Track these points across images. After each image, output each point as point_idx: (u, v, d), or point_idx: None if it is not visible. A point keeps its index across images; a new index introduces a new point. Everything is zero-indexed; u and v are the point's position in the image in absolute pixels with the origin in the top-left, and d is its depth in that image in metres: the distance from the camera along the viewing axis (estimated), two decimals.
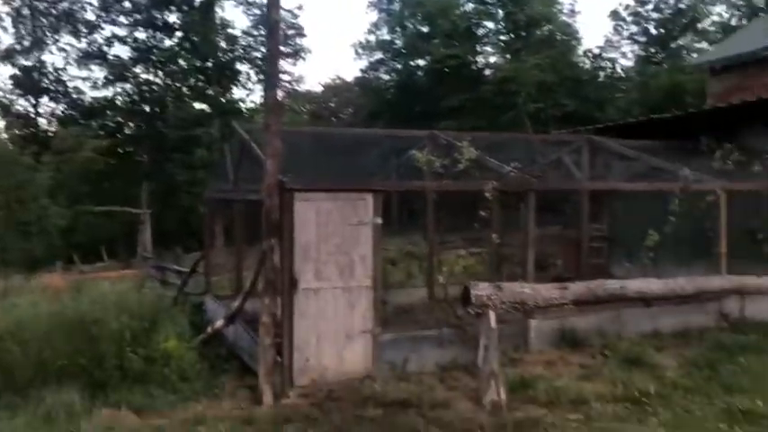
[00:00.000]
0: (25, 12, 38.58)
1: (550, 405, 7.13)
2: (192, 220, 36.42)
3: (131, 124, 41.08)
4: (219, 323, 9.48)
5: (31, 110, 40.80)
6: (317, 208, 8.10)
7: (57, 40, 39.66)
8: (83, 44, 39.60)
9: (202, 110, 39.14)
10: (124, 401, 7.80)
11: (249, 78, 41.17)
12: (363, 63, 54.03)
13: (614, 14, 41.89)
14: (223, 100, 39.32)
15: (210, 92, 38.66)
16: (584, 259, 13.64)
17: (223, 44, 39.53)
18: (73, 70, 47.53)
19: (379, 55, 45.94)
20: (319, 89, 54.38)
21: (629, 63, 42.06)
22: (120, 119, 40.21)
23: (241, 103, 41.02)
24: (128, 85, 39.25)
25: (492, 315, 7.08)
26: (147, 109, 39.37)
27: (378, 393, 7.75)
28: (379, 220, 8.40)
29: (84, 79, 45.72)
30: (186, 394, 8.18)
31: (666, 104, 29.23)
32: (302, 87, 48.21)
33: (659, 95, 31.14)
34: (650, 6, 40.71)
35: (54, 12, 38.94)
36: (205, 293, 13.78)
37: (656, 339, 9.77)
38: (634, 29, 41.73)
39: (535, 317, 9.37)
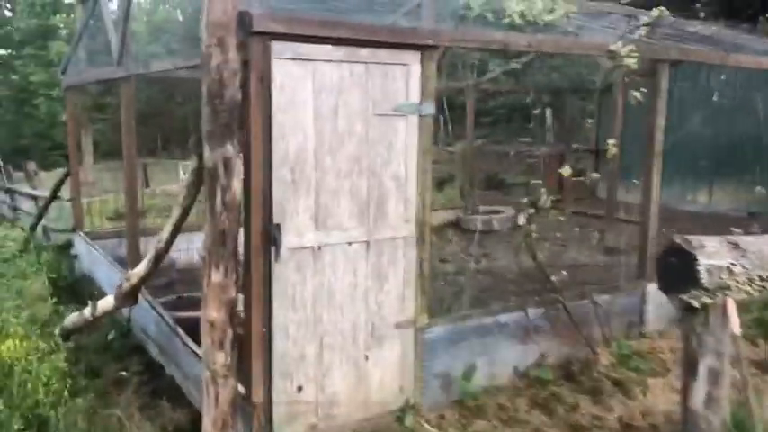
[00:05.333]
0: None
1: None
2: (56, 132, 30.27)
3: None
4: (106, 302, 5.12)
5: None
6: (318, 78, 3.85)
7: None
8: None
9: None
10: None
11: None
12: None
13: None
14: None
15: None
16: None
17: None
18: None
19: None
20: None
21: None
22: None
23: None
24: None
25: (732, 307, 3.27)
26: None
27: None
28: (432, 109, 4.26)
29: None
30: None
31: None
32: None
33: None
34: None
35: None
36: (74, 230, 9.20)
37: None
38: None
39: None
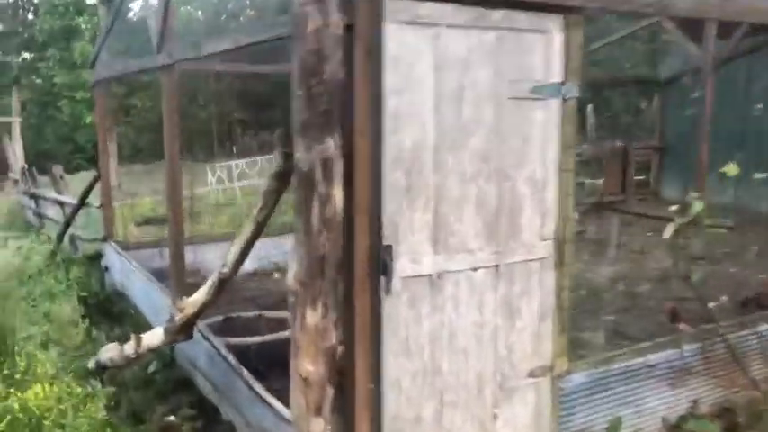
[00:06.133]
0: None
1: None
2: (79, 135, 29.77)
3: None
4: (154, 336, 4.19)
5: None
6: (440, 49, 2.88)
7: None
8: None
9: None
10: None
11: None
12: None
13: None
14: None
15: None
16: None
17: None
18: None
19: None
20: None
21: None
22: None
23: None
24: None
25: None
26: None
27: None
28: (576, 91, 3.28)
29: None
30: None
31: None
32: None
33: None
34: None
35: None
36: (105, 240, 8.35)
37: None
38: None
39: None
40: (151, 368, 5.31)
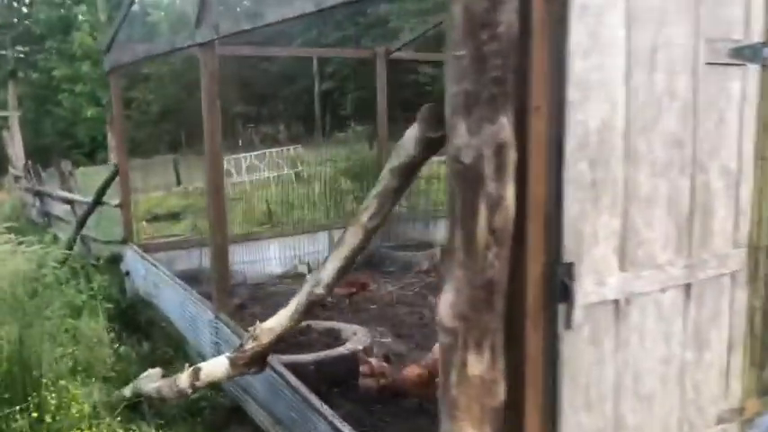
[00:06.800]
0: None
1: None
2: (79, 130, 28.96)
3: None
4: (216, 367, 3.43)
5: None
6: (634, 6, 2.12)
7: None
8: None
9: None
10: None
11: None
12: None
13: None
14: None
15: None
16: None
17: None
18: None
19: None
20: None
21: None
22: None
23: None
24: None
25: None
26: None
27: None
28: None
29: None
30: None
31: None
32: None
33: None
34: None
35: None
36: (125, 242, 7.64)
37: None
38: None
39: None
40: (195, 394, 4.58)
